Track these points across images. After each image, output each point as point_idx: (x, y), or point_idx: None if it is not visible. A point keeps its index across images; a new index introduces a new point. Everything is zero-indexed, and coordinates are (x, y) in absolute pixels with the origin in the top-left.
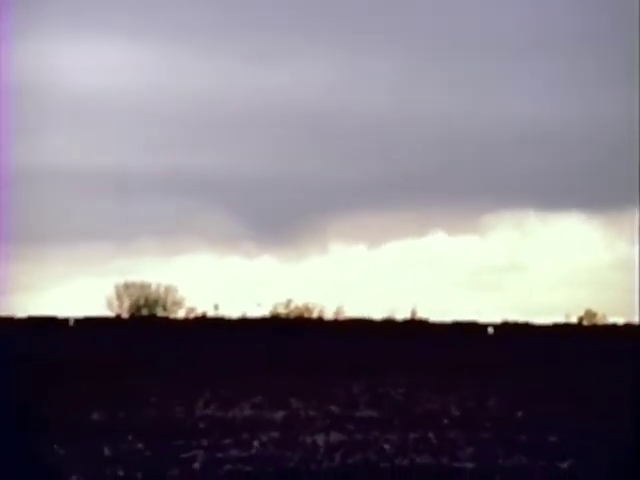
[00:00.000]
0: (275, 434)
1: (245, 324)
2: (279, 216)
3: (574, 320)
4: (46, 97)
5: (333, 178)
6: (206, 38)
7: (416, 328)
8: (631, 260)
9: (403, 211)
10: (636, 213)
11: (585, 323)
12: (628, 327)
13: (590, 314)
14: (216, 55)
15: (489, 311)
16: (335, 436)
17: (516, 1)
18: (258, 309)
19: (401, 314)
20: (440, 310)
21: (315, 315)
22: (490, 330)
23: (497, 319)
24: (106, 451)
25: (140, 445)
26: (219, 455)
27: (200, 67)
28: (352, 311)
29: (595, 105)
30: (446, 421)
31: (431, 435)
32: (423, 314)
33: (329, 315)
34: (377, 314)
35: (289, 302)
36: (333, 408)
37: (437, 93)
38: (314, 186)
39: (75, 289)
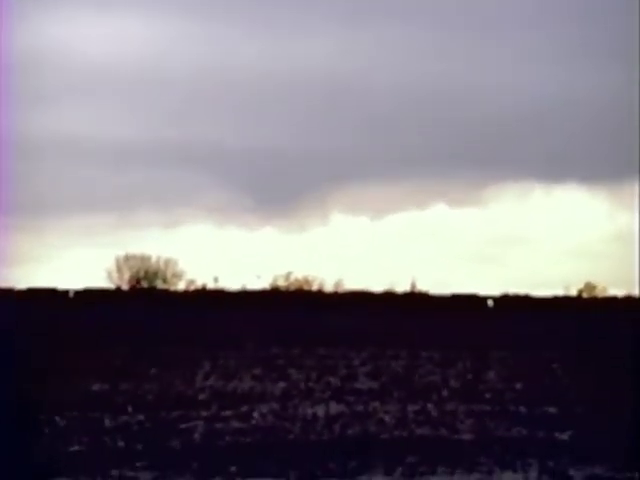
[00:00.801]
0: (275, 406)
1: (245, 296)
2: (280, 188)
3: (574, 292)
4: (48, 68)
5: (335, 150)
6: (211, 9)
7: (416, 301)
8: (632, 232)
9: (405, 183)
10: (637, 185)
11: (585, 295)
12: (628, 299)
13: (590, 286)
14: (220, 26)
15: (490, 284)
16: (335, 407)
17: None
18: (258, 281)
19: (401, 287)
20: (440, 283)
21: (315, 287)
22: (490, 303)
23: (497, 292)
24: (107, 422)
25: (140, 416)
26: (219, 426)
27: (203, 38)
28: (352, 283)
29: (598, 79)
30: (445, 393)
31: (430, 407)
32: (423, 287)
33: (329, 287)
34: (377, 287)
35: (289, 274)
36: (333, 380)
37: (439, 66)
38: (316, 158)
39: (75, 261)
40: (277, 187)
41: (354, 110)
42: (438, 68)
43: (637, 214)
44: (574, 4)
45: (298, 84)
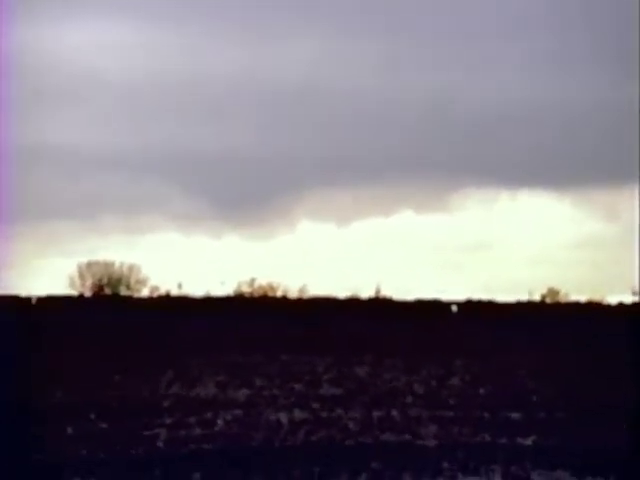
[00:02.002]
0: (239, 412)
1: (209, 303)
2: (246, 195)
3: (537, 298)
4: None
5: (301, 156)
6: (179, 14)
7: (380, 307)
8: (597, 238)
9: (372, 189)
10: (607, 191)
11: (548, 301)
12: (590, 304)
13: (553, 292)
14: (188, 31)
15: (454, 289)
16: (299, 414)
17: None
18: (222, 288)
19: (365, 293)
20: (405, 288)
21: (279, 294)
22: (454, 308)
23: (462, 297)
24: (69, 430)
25: (103, 424)
26: (183, 433)
27: (171, 44)
28: (316, 290)
29: (564, 84)
30: (409, 399)
31: (395, 413)
32: (387, 292)
33: (293, 294)
34: (342, 293)
35: (253, 281)
36: (297, 386)
37: (407, 72)
38: (282, 164)
39: (39, 268)
40: (243, 194)
41: (320, 116)
42: (406, 74)
43: (637, 218)
44: (556, 11)
45: (264, 90)
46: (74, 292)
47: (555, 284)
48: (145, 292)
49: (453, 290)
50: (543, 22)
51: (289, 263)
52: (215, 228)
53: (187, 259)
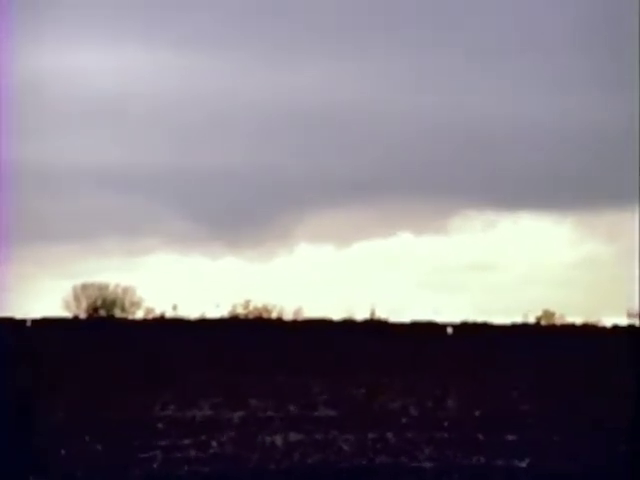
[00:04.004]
0: (233, 434)
1: (203, 324)
2: (245, 216)
3: (532, 320)
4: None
5: (300, 177)
6: (182, 36)
7: (375, 328)
8: (593, 260)
9: (371, 211)
10: (608, 213)
11: (543, 323)
12: (585, 327)
13: (548, 314)
14: (191, 50)
15: (451, 311)
16: (294, 436)
17: None
18: (217, 310)
19: (361, 314)
20: (400, 310)
21: (274, 316)
22: (449, 330)
23: (457, 319)
24: (63, 452)
25: (98, 446)
26: (178, 455)
27: (172, 63)
28: (312, 312)
29: (568, 105)
30: (405, 421)
31: (390, 435)
32: (383, 314)
33: (288, 316)
34: (337, 314)
35: (248, 303)
36: (292, 408)
37: (406, 93)
38: (281, 185)
39: (34, 290)
40: (241, 215)
41: (319, 138)
42: (406, 95)
43: (637, 240)
44: (559, 29)
45: (263, 111)
46: (69, 314)
47: (551, 306)
48: (140, 314)
49: (449, 312)
50: (546, 42)
51: (286, 285)
52: (213, 249)
53: (183, 281)
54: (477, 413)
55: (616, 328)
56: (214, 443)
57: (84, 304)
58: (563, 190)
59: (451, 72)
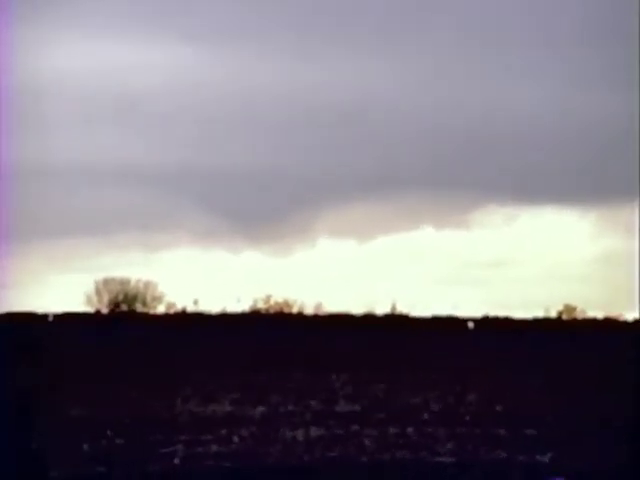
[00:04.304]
0: (255, 429)
1: (225, 319)
2: (267, 210)
3: (554, 314)
4: (41, 95)
5: (321, 172)
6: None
7: (396, 323)
8: (616, 254)
9: (392, 205)
10: (630, 208)
11: (564, 317)
12: (607, 321)
13: (569, 308)
14: (205, 46)
15: (473, 306)
16: (315, 431)
17: None
18: (238, 304)
19: (382, 309)
20: (422, 305)
21: (295, 310)
22: (470, 325)
23: (479, 314)
24: (85, 447)
25: (120, 440)
26: (199, 450)
27: (188, 61)
28: (333, 306)
29: (586, 101)
30: (426, 416)
31: (411, 430)
32: (404, 309)
33: (309, 310)
34: (358, 309)
35: (269, 297)
36: (313, 403)
37: (427, 87)
38: (302, 180)
39: (57, 285)
40: (262, 210)
41: (340, 133)
42: (426, 89)
43: (637, 236)
44: (572, 25)
45: (284, 106)
46: (91, 309)
47: (573, 300)
48: (161, 309)
49: (470, 306)
50: (568, 34)
51: (307, 279)
52: (234, 244)
53: (204, 275)
54: (498, 408)
55: (638, 323)
56: (235, 438)
57: (106, 299)
58: (584, 185)
59: (472, 67)
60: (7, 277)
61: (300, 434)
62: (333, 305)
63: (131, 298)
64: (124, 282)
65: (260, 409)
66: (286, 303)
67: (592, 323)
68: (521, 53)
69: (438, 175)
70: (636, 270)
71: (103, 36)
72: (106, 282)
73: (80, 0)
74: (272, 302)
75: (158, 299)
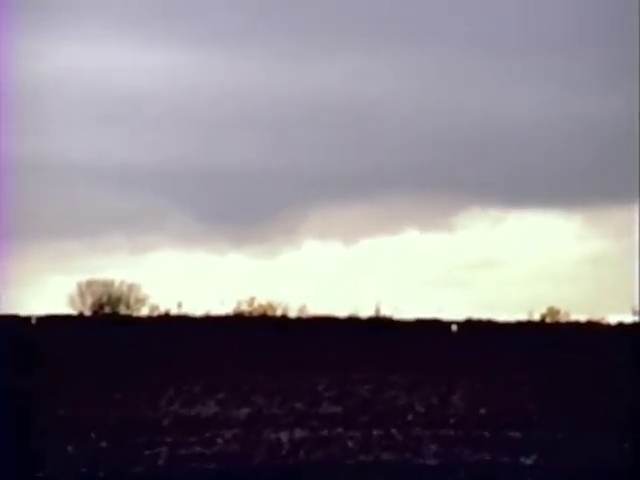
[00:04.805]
0: (239, 431)
1: (208, 321)
2: (252, 212)
3: (537, 317)
4: (37, 94)
5: (307, 173)
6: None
7: (380, 326)
8: (601, 257)
9: (378, 207)
10: (616, 210)
11: (548, 320)
12: (589, 324)
13: (553, 311)
14: (200, 48)
15: (456, 308)
16: (299, 433)
17: None
18: (222, 307)
19: (366, 312)
20: (406, 307)
21: (279, 313)
22: (454, 327)
23: (462, 316)
24: (69, 448)
25: (104, 442)
26: (183, 452)
27: (181, 61)
28: (317, 309)
29: (572, 104)
30: (410, 418)
31: (395, 432)
32: (388, 312)
33: (293, 313)
34: (342, 312)
35: (253, 300)
36: (297, 405)
37: (413, 90)
38: (287, 181)
39: (40, 287)
40: (248, 211)
41: (325, 133)
42: (414, 91)
43: (637, 237)
44: (566, 28)
45: (268, 107)
46: (74, 311)
47: (557, 303)
48: (145, 311)
49: (454, 309)
50: (552, 40)
51: (291, 282)
52: (219, 246)
53: (189, 277)
54: (482, 410)
55: (621, 326)
56: (219, 440)
57: (89, 301)
58: (570, 187)
59: (457, 71)
60: None
61: (284, 436)
62: (318, 307)
63: (114, 300)
64: (107, 284)
65: (244, 411)
66: (270, 305)
67: (575, 326)
68: (510, 55)
69: (424, 178)
70: (634, 271)
71: (100, 37)
72: (89, 284)
73: (79, 1)
74: (256, 304)
75: (142, 301)
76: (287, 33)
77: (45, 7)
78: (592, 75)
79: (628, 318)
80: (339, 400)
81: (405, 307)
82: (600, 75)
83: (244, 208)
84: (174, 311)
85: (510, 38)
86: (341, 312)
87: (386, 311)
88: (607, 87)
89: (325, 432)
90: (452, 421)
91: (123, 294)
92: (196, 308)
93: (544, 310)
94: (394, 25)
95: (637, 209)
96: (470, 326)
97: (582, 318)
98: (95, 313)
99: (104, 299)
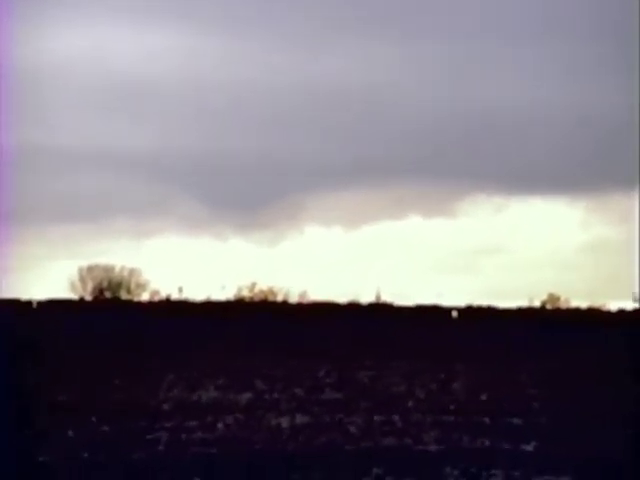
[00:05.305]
0: (240, 416)
1: (209, 307)
2: (254, 198)
3: (538, 304)
4: (39, 80)
5: (309, 159)
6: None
7: (380, 312)
8: (604, 243)
9: (380, 193)
10: (619, 196)
11: (548, 307)
12: (590, 311)
13: (553, 298)
14: (189, 33)
15: (458, 295)
16: (300, 418)
17: None
18: (223, 292)
19: (366, 298)
20: (407, 293)
21: (280, 298)
22: (454, 314)
23: (463, 303)
24: (70, 433)
25: (104, 427)
26: (184, 437)
27: (171, 47)
28: (318, 295)
29: (577, 90)
30: (411, 404)
31: (396, 418)
32: (389, 298)
33: (294, 299)
34: (343, 298)
35: (254, 285)
36: (298, 391)
37: (416, 78)
38: (289, 167)
39: (41, 272)
40: (250, 197)
41: (329, 119)
42: (416, 78)
43: (637, 225)
44: (568, 19)
45: (272, 94)
46: (75, 296)
47: (558, 290)
48: (145, 296)
49: (456, 295)
50: (554, 29)
51: (293, 267)
52: (221, 231)
53: (190, 263)
54: (483, 397)
55: (622, 312)
56: (220, 425)
57: (90, 286)
58: (573, 174)
59: (461, 60)
60: None
61: (285, 421)
62: (318, 293)
63: (115, 285)
64: (108, 269)
65: (245, 396)
66: (271, 291)
67: (575, 313)
68: (511, 45)
69: (427, 164)
70: (634, 258)
71: (106, 23)
72: (90, 269)
73: None
74: (257, 290)
75: (142, 286)
76: (291, 20)
77: None
78: (594, 63)
79: (629, 305)
80: (340, 386)
81: (406, 293)
82: (602, 64)
83: (247, 194)
84: (175, 296)
85: (517, 27)
86: (342, 298)
87: (387, 297)
88: (610, 75)
89: (326, 418)
90: (452, 407)
91: (124, 279)
92: (197, 293)
93: (545, 297)
94: (398, 13)
95: (637, 196)
96: (471, 312)
97: (583, 305)
98: (96, 298)
99: (105, 284)
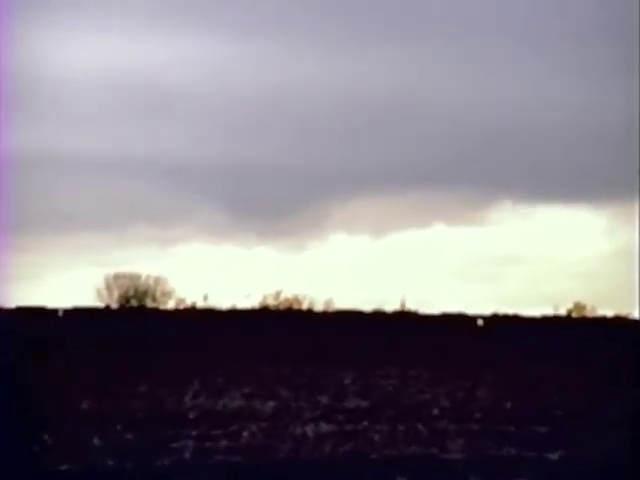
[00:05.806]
0: (265, 425)
1: (234, 315)
2: (279, 206)
3: (563, 312)
4: (49, 86)
5: (335, 166)
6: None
7: (405, 320)
8: (630, 251)
9: (404, 202)
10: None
11: (574, 315)
12: (617, 319)
13: (579, 306)
14: (217, 43)
15: (483, 303)
16: (325, 427)
17: None
18: (248, 300)
19: (391, 306)
20: (432, 301)
21: (305, 307)
22: (480, 322)
23: (488, 311)
24: (95, 441)
25: (130, 435)
26: (209, 445)
27: (196, 54)
28: (343, 303)
29: (601, 96)
30: (435, 412)
31: (420, 426)
32: (414, 305)
33: (319, 307)
34: (368, 306)
35: (279, 293)
36: (323, 399)
37: (441, 82)
38: (315, 174)
39: (68, 279)
40: (275, 204)
41: (354, 126)
42: (440, 84)
43: (637, 233)
44: (578, 23)
45: (296, 101)
46: (101, 304)
47: (584, 298)
48: (171, 304)
49: (481, 304)
50: (588, 33)
51: (318, 275)
52: (245, 239)
53: (215, 271)
54: (508, 405)
55: None
56: (245, 433)
57: (116, 294)
58: (598, 182)
59: (488, 65)
60: (17, 271)
61: (310, 429)
62: (343, 301)
63: (141, 293)
64: (134, 277)
65: (270, 404)
66: (296, 299)
67: (602, 321)
68: (540, 49)
69: (451, 172)
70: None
71: (125, 30)
72: (116, 277)
73: None
74: (282, 298)
75: (168, 295)
76: (315, 27)
77: None
78: (620, 68)
79: None
80: (365, 394)
81: (431, 301)
82: (625, 66)
83: (271, 201)
84: (200, 304)
85: (544, 31)
86: (367, 306)
87: (412, 305)
88: (635, 81)
89: (351, 426)
90: (478, 416)
91: (150, 287)
92: (222, 301)
93: (570, 305)
94: (422, 17)
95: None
96: (496, 321)
97: (609, 313)
98: (122, 306)
99: (131, 292)
